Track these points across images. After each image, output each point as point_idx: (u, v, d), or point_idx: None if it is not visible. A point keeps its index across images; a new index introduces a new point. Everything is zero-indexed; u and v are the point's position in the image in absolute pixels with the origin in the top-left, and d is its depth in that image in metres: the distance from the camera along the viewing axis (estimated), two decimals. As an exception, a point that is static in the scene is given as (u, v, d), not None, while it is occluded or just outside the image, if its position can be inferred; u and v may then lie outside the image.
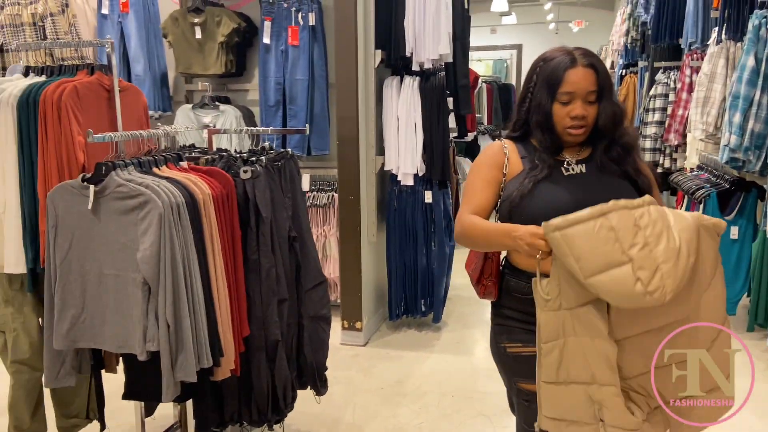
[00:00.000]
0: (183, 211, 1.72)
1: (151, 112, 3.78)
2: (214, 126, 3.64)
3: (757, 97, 2.92)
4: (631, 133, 1.60)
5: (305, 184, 2.30)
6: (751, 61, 2.92)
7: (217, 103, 3.75)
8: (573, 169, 1.57)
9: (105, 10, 3.77)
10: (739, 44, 3.53)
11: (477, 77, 6.01)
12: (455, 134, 4.44)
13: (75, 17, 3.82)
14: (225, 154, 2.11)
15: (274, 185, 2.11)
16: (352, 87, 3.25)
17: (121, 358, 2.05)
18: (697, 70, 4.34)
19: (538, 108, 1.54)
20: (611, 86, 1.55)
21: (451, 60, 3.52)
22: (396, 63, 3.45)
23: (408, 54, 3.34)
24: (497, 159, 1.61)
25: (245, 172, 2.01)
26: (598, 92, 1.51)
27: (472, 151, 6.58)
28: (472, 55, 11.99)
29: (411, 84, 3.41)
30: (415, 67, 3.38)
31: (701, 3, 4.33)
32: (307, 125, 2.70)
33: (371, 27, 3.32)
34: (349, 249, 3.42)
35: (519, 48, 16.34)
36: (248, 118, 3.83)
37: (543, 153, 1.56)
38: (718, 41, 3.73)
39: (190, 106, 3.78)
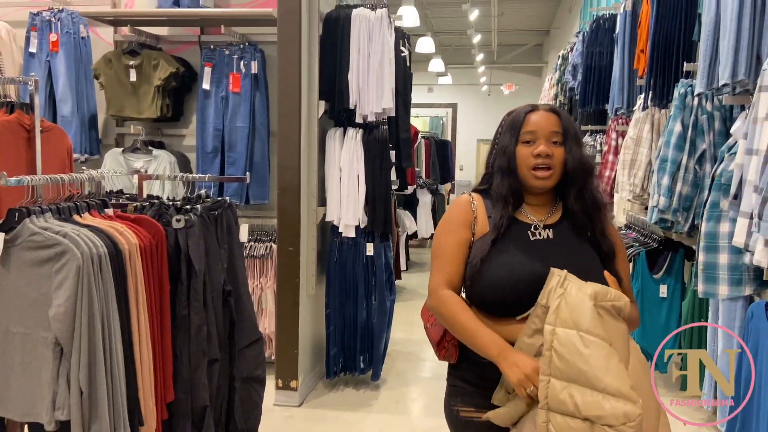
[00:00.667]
0: (105, 263, 1.57)
1: (76, 155, 3.57)
2: (146, 171, 3.46)
3: (684, 161, 3.06)
4: (599, 192, 1.54)
5: (243, 235, 2.17)
6: (678, 127, 3.07)
7: (150, 147, 3.59)
8: (539, 234, 1.50)
9: (33, 49, 3.58)
10: (663, 111, 3.73)
11: (417, 132, 6.11)
12: (396, 187, 4.44)
13: (0, 55, 3.61)
14: (156, 201, 1.97)
15: (210, 235, 1.98)
16: (295, 136, 3.19)
17: (26, 426, 1.81)
18: (622, 134, 4.56)
19: (502, 152, 1.51)
20: (578, 134, 1.52)
21: (393, 114, 3.53)
22: (339, 114, 3.42)
23: (352, 106, 3.33)
24: (466, 218, 1.54)
25: (178, 220, 1.88)
26: (563, 134, 1.49)
27: (411, 204, 6.62)
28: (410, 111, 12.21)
29: (354, 136, 3.39)
30: (358, 120, 3.37)
31: (627, 72, 4.59)
32: (247, 173, 2.59)
33: (315, 78, 3.30)
34: (286, 302, 3.27)
35: (454, 107, 16.99)
36: (183, 165, 3.68)
37: (498, 204, 1.50)
38: (644, 107, 3.94)
39: (120, 150, 3.60)
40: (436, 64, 12.04)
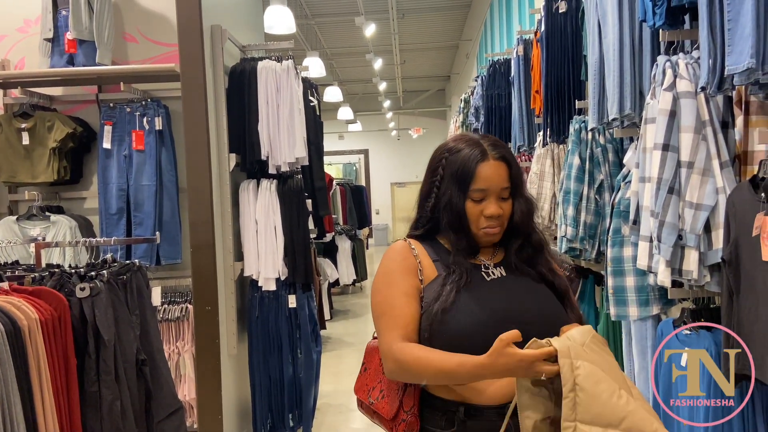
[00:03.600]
0: (1, 342, 1.43)
1: (-37, 227, 3.29)
2: (44, 239, 3.23)
3: (585, 192, 3.25)
4: (539, 231, 1.48)
5: (155, 298, 2.06)
6: (576, 161, 3.27)
7: (47, 213, 3.36)
8: (493, 273, 1.41)
9: None
10: (562, 146, 3.96)
11: (331, 179, 6.14)
12: (314, 235, 4.41)
13: None
14: (57, 270, 1.83)
15: (118, 302, 1.86)
16: (206, 192, 3.10)
17: None
18: (526, 169, 4.80)
19: (450, 206, 1.39)
20: (523, 179, 1.46)
21: (307, 163, 3.53)
22: (252, 166, 3.38)
23: (264, 157, 3.30)
24: (409, 264, 1.39)
25: (82, 289, 1.75)
26: (511, 188, 1.41)
27: (331, 251, 6.57)
28: (323, 159, 12.34)
29: (268, 187, 3.35)
30: (271, 170, 3.33)
31: (525, 111, 4.86)
32: (157, 233, 2.47)
33: (224, 131, 3.25)
34: (206, 365, 3.11)
35: (366, 152, 17.36)
36: (86, 229, 3.46)
37: (458, 256, 1.39)
38: (544, 144, 4.17)
39: (14, 218, 3.35)
40: (345, 112, 12.28)
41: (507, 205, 1.41)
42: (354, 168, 16.59)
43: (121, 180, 3.38)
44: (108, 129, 3.38)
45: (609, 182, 3.21)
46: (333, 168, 14.40)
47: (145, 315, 1.99)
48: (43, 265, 1.95)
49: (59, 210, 3.50)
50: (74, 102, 3.65)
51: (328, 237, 5.67)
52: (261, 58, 3.39)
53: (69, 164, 3.45)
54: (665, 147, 2.07)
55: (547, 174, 4.13)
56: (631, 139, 3.09)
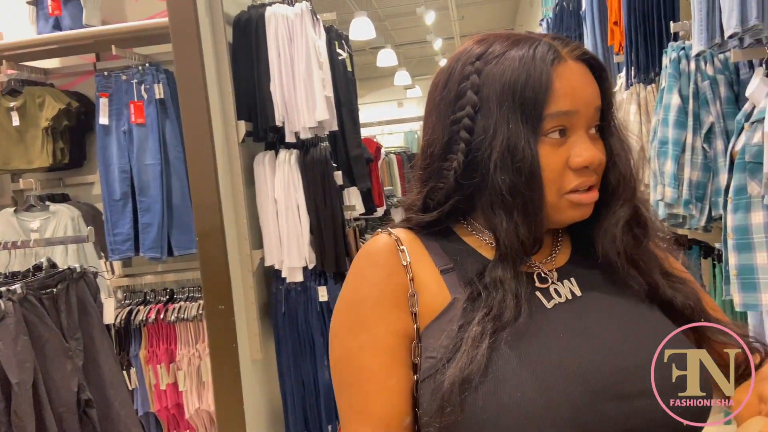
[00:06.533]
0: None
1: (-38, 222, 2.95)
2: (44, 232, 2.85)
3: (689, 141, 2.49)
4: (645, 201, 0.80)
5: (108, 315, 1.56)
6: (675, 100, 2.51)
7: (47, 203, 2.97)
8: (557, 292, 0.74)
9: None
10: (650, 87, 3.20)
11: (379, 147, 5.54)
12: (362, 212, 3.87)
13: None
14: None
15: (43, 326, 1.36)
16: (209, 168, 2.58)
17: None
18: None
19: (511, 156, 0.69)
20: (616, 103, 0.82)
21: (336, 128, 2.95)
22: (266, 135, 2.83)
23: (279, 123, 2.74)
24: (395, 284, 0.71)
25: (-18, 313, 1.26)
26: (603, 116, 0.76)
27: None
28: (383, 129, 11.78)
29: (287, 159, 2.79)
30: (289, 139, 2.77)
31: (600, 51, 4.06)
32: (90, 228, 1.97)
33: (229, 95, 2.71)
34: (223, 374, 2.64)
35: (428, 119, 16.57)
36: (92, 218, 3.05)
37: (504, 263, 0.71)
38: (627, 86, 3.41)
39: (12, 210, 2.97)
40: (402, 77, 11.59)
41: (600, 147, 0.75)
42: (416, 136, 15.93)
43: (122, 160, 2.93)
44: (104, 102, 2.92)
45: (722, 126, 2.43)
46: (394, 137, 13.83)
47: (92, 338, 1.49)
48: (45, 261, 1.47)
49: (64, 198, 3.11)
50: (72, 74, 3.22)
51: (380, 211, 5.10)
52: (271, 3, 2.81)
53: (67, 145, 3.03)
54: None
55: (633, 123, 3.39)
56: (751, 65, 2.31)
